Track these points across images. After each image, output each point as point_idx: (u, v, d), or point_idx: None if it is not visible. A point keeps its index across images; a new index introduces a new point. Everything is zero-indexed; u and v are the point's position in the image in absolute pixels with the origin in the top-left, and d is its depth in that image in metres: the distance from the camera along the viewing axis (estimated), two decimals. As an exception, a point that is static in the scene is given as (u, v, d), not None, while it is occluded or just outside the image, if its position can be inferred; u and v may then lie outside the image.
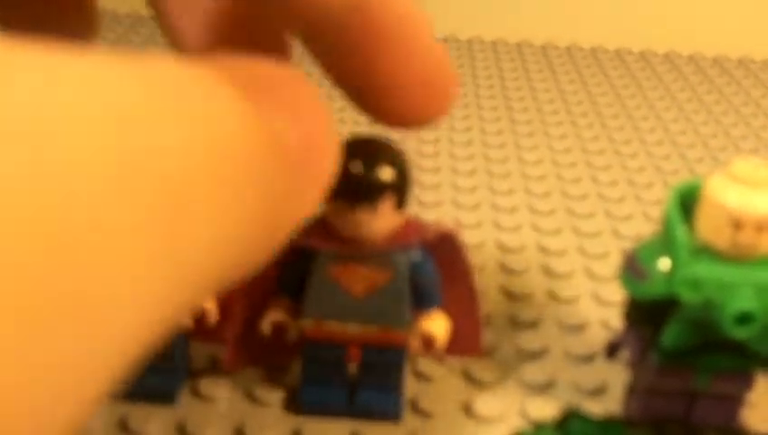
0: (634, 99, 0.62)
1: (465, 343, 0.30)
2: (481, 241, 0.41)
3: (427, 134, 0.54)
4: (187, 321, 0.28)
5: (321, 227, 0.28)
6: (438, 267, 0.28)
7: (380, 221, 0.26)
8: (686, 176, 0.50)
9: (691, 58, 0.72)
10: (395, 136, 0.53)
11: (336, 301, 0.28)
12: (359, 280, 0.27)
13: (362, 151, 0.26)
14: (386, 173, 0.26)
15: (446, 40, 0.73)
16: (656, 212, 0.45)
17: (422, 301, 0.28)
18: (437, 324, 0.28)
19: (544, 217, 0.44)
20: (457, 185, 0.47)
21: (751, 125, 0.58)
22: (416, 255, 0.28)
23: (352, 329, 0.28)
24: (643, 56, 0.72)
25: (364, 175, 0.25)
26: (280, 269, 0.28)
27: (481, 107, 0.59)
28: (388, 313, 0.28)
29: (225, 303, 0.29)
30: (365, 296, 0.27)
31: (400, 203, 0.26)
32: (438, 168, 0.49)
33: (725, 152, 0.53)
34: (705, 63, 0.71)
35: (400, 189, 0.26)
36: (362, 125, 0.55)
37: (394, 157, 0.26)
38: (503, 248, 0.41)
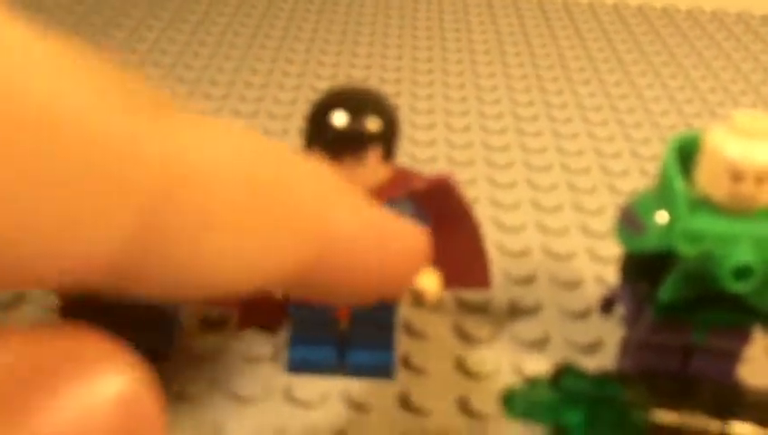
0: (631, 54, 0.61)
1: (474, 277, 0.30)
2: (475, 197, 0.41)
3: (420, 90, 0.53)
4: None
5: None
6: (437, 211, 0.28)
7: (368, 173, 0.25)
8: (683, 131, 0.49)
9: (689, 13, 0.71)
10: (387, 90, 0.52)
11: None
12: None
13: (347, 102, 0.25)
14: (372, 123, 0.25)
15: (440, -5, 0.71)
16: (652, 168, 0.45)
17: None
18: (428, 279, 0.28)
19: (540, 173, 0.44)
20: (452, 141, 0.46)
21: (750, 80, 0.57)
22: (405, 208, 0.27)
23: None
24: (641, 11, 0.71)
25: (349, 126, 0.25)
26: None
27: (476, 62, 0.58)
28: None
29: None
30: None
31: (388, 154, 0.26)
32: (433, 124, 0.48)
33: (724, 107, 0.53)
34: (703, 18, 0.70)
35: (387, 140, 0.25)
36: (354, 77, 0.54)
37: (380, 106, 0.25)
38: (498, 205, 0.41)
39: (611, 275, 0.34)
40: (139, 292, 0.12)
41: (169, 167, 0.10)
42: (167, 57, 0.56)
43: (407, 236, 0.16)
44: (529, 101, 0.52)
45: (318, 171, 0.14)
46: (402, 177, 0.27)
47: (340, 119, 0.25)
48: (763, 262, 0.24)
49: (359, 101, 0.25)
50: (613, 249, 0.35)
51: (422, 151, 0.45)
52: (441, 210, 0.28)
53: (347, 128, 0.25)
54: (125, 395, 0.10)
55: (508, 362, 0.30)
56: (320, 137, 0.25)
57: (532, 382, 0.26)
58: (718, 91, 0.55)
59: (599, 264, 0.36)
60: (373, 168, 0.25)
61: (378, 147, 0.25)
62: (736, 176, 0.23)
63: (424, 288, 0.28)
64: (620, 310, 0.30)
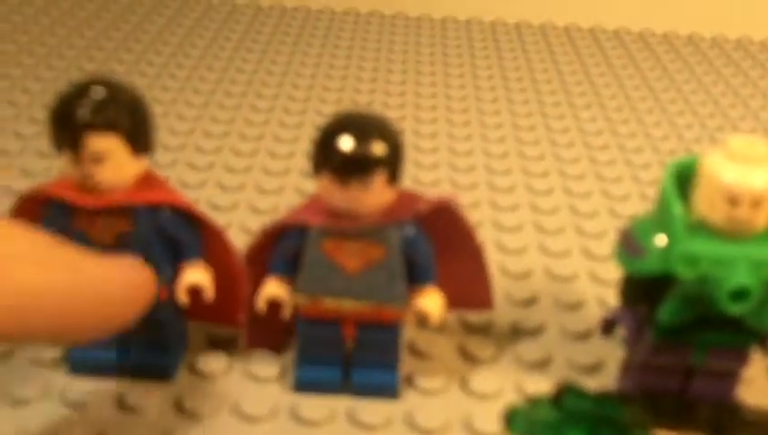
0: (632, 79, 0.62)
1: (476, 298, 0.30)
2: (479, 220, 0.41)
3: (424, 114, 0.54)
4: (184, 297, 0.28)
5: (313, 203, 0.28)
6: (439, 233, 0.28)
7: (373, 197, 0.26)
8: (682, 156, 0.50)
9: (689, 38, 0.72)
10: (391, 114, 0.53)
11: (330, 277, 0.27)
12: (352, 256, 0.27)
13: (353, 126, 0.26)
14: (377, 148, 0.25)
15: (444, 20, 0.73)
16: (652, 192, 0.45)
17: (416, 277, 0.28)
18: (432, 301, 0.28)
19: (541, 197, 0.44)
20: (455, 164, 0.47)
21: (749, 106, 0.58)
22: (409, 230, 0.27)
23: (346, 306, 0.28)
24: (641, 36, 0.72)
25: (356, 150, 0.25)
26: (273, 247, 0.28)
27: (479, 87, 0.59)
28: (381, 289, 0.28)
29: (225, 283, 0.29)
30: (359, 273, 0.27)
31: (393, 178, 0.26)
32: (436, 148, 0.49)
33: (723, 132, 0.53)
34: (703, 44, 0.71)
35: (393, 164, 0.26)
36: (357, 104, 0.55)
37: (385, 131, 0.26)
38: (500, 227, 0.41)
39: (612, 298, 0.34)
40: None
41: None
42: (174, 81, 0.57)
43: (123, 274, 0.22)
44: (531, 126, 0.53)
45: (16, 240, 0.20)
46: (407, 200, 0.28)
47: (346, 143, 0.25)
48: (760, 284, 0.25)
49: (365, 126, 0.26)
50: (614, 272, 0.36)
51: (426, 175, 0.46)
52: (445, 232, 0.29)
53: (353, 152, 0.25)
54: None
55: (511, 381, 0.31)
56: (327, 161, 0.26)
57: (535, 402, 0.27)
58: (717, 117, 0.56)
59: (600, 286, 0.37)
60: (379, 191, 0.26)
61: (383, 171, 0.26)
62: (732, 200, 0.24)
63: (428, 309, 0.28)
64: (621, 331, 0.31)
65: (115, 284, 0.22)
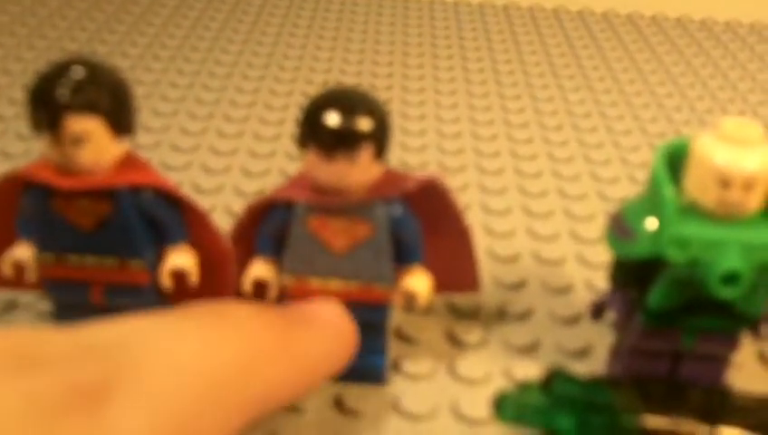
0: (620, 62, 0.62)
1: (462, 280, 0.30)
2: (466, 203, 0.41)
3: (412, 96, 0.53)
4: (168, 282, 0.28)
5: (299, 180, 0.27)
6: (426, 213, 0.28)
7: (359, 172, 0.26)
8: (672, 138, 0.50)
9: (678, 21, 0.71)
10: (378, 96, 0.53)
11: (316, 257, 0.27)
12: (338, 234, 0.27)
13: (340, 101, 0.25)
14: (364, 123, 0.25)
15: (432, 2, 0.72)
16: (641, 175, 0.45)
17: (403, 257, 0.28)
18: (419, 281, 0.28)
19: (530, 180, 0.44)
20: (443, 147, 0.47)
21: (737, 88, 0.58)
22: (396, 209, 0.27)
23: (334, 286, 0.28)
24: (630, 19, 0.71)
25: (342, 125, 0.25)
26: (259, 225, 0.28)
27: (467, 69, 0.58)
28: (369, 268, 0.27)
29: (210, 267, 0.29)
30: (346, 252, 0.27)
31: (379, 153, 0.26)
32: (424, 130, 0.49)
33: (712, 115, 0.53)
34: (692, 26, 0.70)
35: (379, 139, 0.26)
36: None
37: (372, 106, 0.26)
38: (488, 211, 0.41)
39: (601, 281, 0.34)
40: None
41: None
42: (158, 63, 0.56)
43: (332, 348, 0.23)
44: (520, 108, 0.53)
45: (248, 342, 0.20)
46: (394, 178, 0.27)
47: (333, 118, 0.25)
48: (751, 268, 0.24)
49: (351, 100, 0.26)
50: (603, 255, 0.36)
51: (413, 157, 0.45)
52: (432, 213, 0.28)
53: (340, 125, 0.25)
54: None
55: (499, 366, 0.30)
56: (313, 135, 0.25)
57: (524, 387, 0.27)
58: (706, 99, 0.56)
59: (589, 270, 0.37)
60: (365, 166, 0.26)
61: (370, 145, 0.25)
62: (724, 183, 0.24)
63: (415, 289, 0.28)
64: (610, 316, 0.31)
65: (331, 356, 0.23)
